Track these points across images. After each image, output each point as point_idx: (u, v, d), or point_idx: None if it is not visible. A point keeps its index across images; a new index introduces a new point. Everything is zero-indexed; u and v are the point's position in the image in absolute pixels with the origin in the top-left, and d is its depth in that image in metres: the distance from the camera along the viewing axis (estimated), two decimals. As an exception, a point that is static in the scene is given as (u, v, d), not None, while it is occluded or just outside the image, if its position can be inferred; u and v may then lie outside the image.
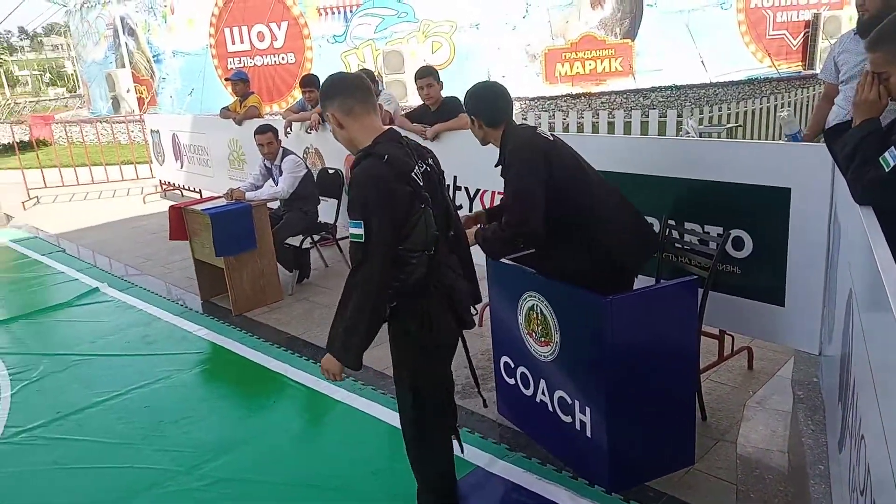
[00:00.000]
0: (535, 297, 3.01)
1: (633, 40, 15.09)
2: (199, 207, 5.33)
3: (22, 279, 6.73)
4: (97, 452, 3.52)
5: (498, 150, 2.95)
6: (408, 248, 2.26)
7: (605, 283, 2.74)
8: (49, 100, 31.95)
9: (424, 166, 2.37)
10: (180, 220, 5.52)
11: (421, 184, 2.27)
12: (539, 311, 3.00)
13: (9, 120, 20.28)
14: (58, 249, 7.74)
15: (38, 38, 64.31)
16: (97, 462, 3.43)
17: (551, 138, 2.90)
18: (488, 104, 2.92)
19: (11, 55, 55.33)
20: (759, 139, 9.40)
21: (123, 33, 17.90)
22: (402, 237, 2.23)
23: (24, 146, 13.67)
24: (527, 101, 13.74)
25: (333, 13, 15.67)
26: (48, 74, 49.08)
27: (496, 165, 2.95)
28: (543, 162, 2.78)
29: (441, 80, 5.24)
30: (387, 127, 2.40)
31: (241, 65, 15.98)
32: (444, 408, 2.68)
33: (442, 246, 2.40)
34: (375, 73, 10.14)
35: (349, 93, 2.33)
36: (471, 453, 3.20)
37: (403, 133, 2.51)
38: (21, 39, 68.95)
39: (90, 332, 5.15)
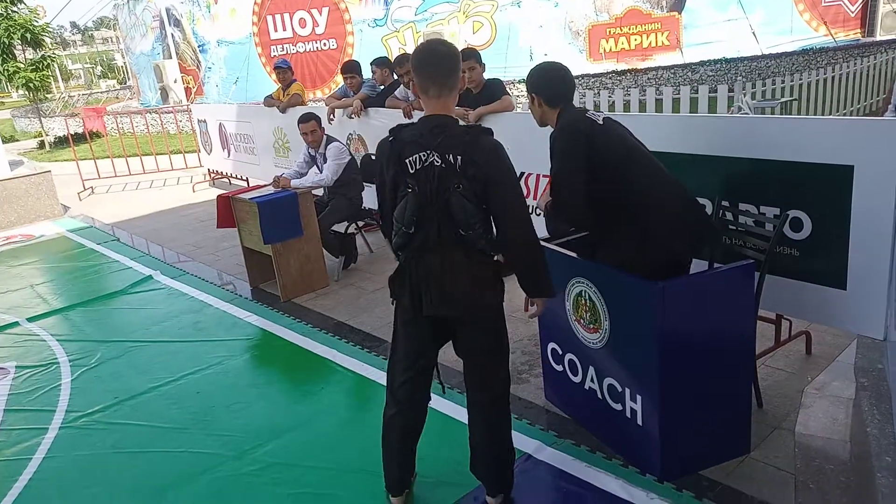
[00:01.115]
0: (582, 283, 2.95)
1: (680, 13, 14.69)
2: (246, 196, 5.40)
3: (79, 268, 6.94)
4: (153, 437, 3.61)
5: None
6: (394, 216, 2.45)
7: (657, 271, 2.66)
8: (101, 92, 32.81)
9: (433, 159, 2.36)
10: (228, 209, 5.60)
11: (410, 171, 2.39)
12: (587, 297, 2.95)
13: (63, 113, 20.89)
14: (112, 238, 7.96)
15: (89, 32, 66.04)
16: (153, 447, 3.52)
17: (601, 122, 2.82)
18: (550, 83, 2.90)
19: (65, 50, 56.91)
20: (816, 113, 9.05)
21: (169, 24, 18.21)
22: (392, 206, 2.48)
23: (79, 138, 14.06)
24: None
25: (374, -3, 15.65)
26: (99, 67, 50.36)
27: None
28: (585, 146, 2.73)
29: (483, 62, 5.16)
30: (437, 112, 2.42)
31: (284, 52, 16.12)
32: (392, 385, 2.72)
33: (432, 235, 2.41)
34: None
35: (424, 72, 2.43)
36: (519, 440, 3.17)
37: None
38: (73, 34, 70.91)
39: (145, 319, 5.28)
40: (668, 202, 2.79)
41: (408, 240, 2.45)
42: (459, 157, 2.35)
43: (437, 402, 3.52)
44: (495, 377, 2.70)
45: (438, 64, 2.40)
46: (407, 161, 2.40)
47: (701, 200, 3.48)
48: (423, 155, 2.38)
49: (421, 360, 2.68)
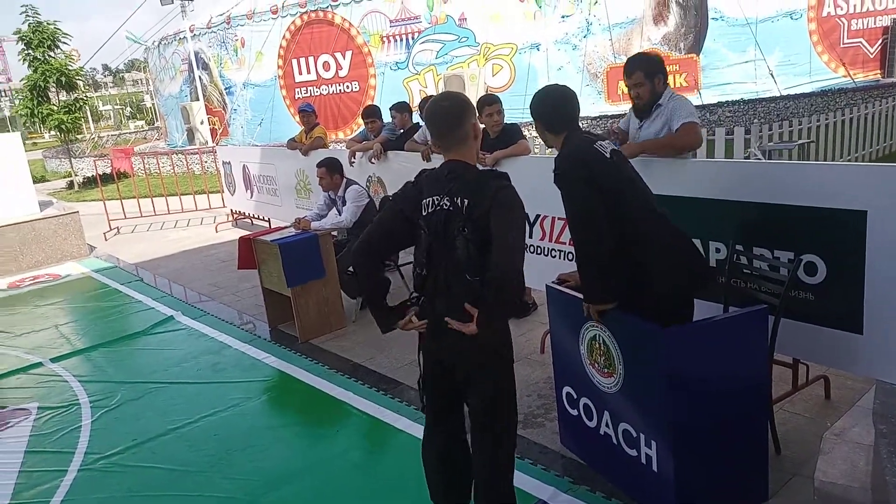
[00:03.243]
0: (596, 327, 2.96)
1: (698, 55, 14.80)
2: (267, 238, 5.49)
3: (102, 308, 7.05)
4: (170, 480, 3.63)
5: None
6: (413, 257, 2.56)
7: (654, 310, 2.68)
8: (129, 133, 33.63)
9: (441, 204, 2.43)
10: (249, 250, 5.70)
11: (424, 213, 2.48)
12: (601, 341, 2.95)
13: (93, 154, 21.41)
14: (136, 279, 8.09)
15: (120, 74, 67.95)
16: (169, 490, 3.55)
17: (608, 155, 2.77)
18: (551, 108, 2.89)
19: (96, 91, 58.57)
20: (834, 155, 9.02)
21: (198, 67, 18.75)
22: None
23: (107, 178, 14.40)
24: (589, 120, 13.64)
25: (396, 41, 15.99)
26: (129, 108, 51.68)
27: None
28: (587, 177, 2.69)
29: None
30: (453, 158, 2.48)
31: (308, 94, 16.47)
32: (425, 407, 2.78)
33: (441, 279, 2.46)
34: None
35: (430, 128, 2.59)
36: (533, 486, 3.17)
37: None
38: (105, 76, 73.10)
39: (165, 360, 5.35)
40: (662, 241, 2.77)
41: (421, 282, 2.52)
42: (467, 201, 2.38)
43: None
44: (496, 424, 2.60)
45: (438, 122, 2.50)
46: (423, 203, 2.48)
47: (715, 244, 3.51)
48: (437, 199, 2.45)
49: (440, 406, 2.72)
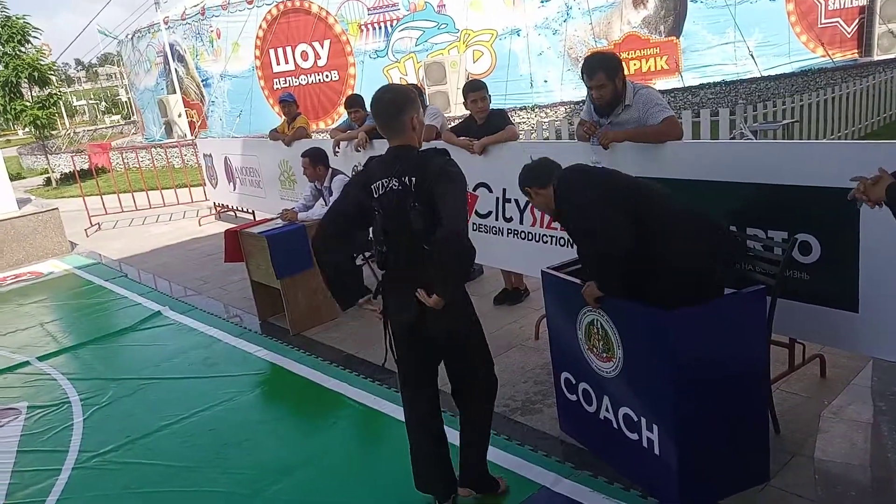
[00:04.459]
0: (594, 311, 2.95)
1: (678, 37, 14.83)
2: (254, 230, 5.43)
3: (88, 305, 6.95)
4: (165, 476, 3.59)
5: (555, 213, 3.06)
6: (371, 238, 2.76)
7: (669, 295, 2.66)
8: (105, 127, 33.14)
9: (392, 184, 2.63)
10: (236, 243, 5.63)
11: (375, 196, 2.67)
12: (599, 325, 2.94)
13: (69, 149, 21.07)
14: (120, 274, 7.98)
15: (94, 69, 66.90)
16: (166, 486, 3.51)
17: (600, 163, 3.01)
18: (538, 168, 3.07)
19: (69, 86, 57.60)
20: (817, 134, 9.08)
21: (173, 60, 18.47)
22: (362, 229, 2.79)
23: (84, 174, 14.17)
24: (571, 106, 13.63)
25: (374, 28, 15.85)
26: (104, 103, 50.93)
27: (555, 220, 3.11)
28: (597, 194, 2.80)
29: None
30: (398, 144, 2.70)
31: (287, 84, 16.30)
32: (403, 381, 2.95)
33: (402, 254, 2.67)
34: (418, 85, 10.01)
35: (374, 119, 2.78)
36: (535, 472, 3.17)
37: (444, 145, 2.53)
38: (78, 71, 71.92)
39: (154, 356, 5.28)
40: (678, 225, 2.79)
41: (384, 259, 2.73)
42: (414, 179, 2.60)
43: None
44: (476, 387, 2.94)
45: (381, 112, 2.70)
46: (372, 187, 2.68)
47: (709, 226, 3.50)
48: (385, 181, 2.65)
49: (420, 374, 2.91)
